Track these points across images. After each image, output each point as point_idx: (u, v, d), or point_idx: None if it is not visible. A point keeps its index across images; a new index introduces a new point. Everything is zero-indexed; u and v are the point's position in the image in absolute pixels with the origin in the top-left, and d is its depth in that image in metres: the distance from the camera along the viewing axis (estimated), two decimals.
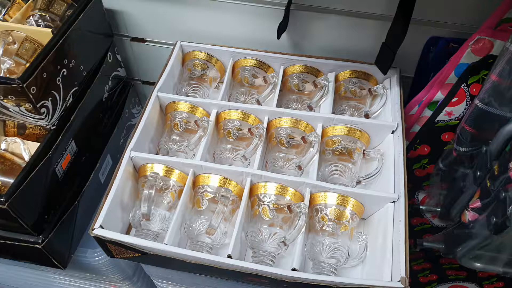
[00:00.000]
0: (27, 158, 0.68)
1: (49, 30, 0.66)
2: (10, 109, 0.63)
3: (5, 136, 0.70)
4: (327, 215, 0.58)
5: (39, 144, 0.67)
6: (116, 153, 0.84)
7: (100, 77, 0.77)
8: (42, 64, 0.61)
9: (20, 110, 0.63)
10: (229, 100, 0.74)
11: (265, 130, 0.67)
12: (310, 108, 0.72)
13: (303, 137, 0.67)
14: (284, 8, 0.70)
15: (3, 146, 0.68)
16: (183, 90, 0.76)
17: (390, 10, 0.69)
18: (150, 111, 0.69)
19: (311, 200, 0.60)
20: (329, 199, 0.59)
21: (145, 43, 0.86)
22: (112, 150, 0.82)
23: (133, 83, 0.92)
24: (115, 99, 0.85)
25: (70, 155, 0.71)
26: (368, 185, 0.66)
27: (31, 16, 0.71)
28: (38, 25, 0.70)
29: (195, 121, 0.69)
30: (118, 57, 0.84)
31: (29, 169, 0.62)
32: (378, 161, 0.64)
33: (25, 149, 0.68)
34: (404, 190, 0.58)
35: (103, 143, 0.80)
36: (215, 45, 0.77)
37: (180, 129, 0.69)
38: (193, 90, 0.76)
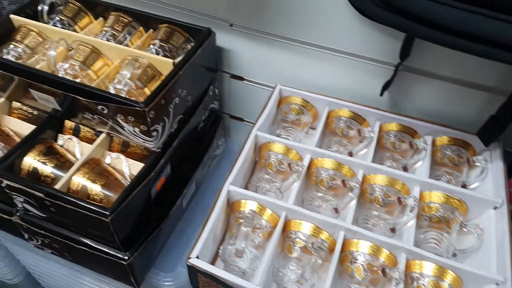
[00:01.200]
0: (127, 175, 0.71)
1: (170, 60, 0.71)
2: (125, 128, 0.67)
3: (109, 151, 0.75)
4: (424, 286, 0.56)
5: (142, 164, 0.72)
6: (200, 181, 0.87)
7: (201, 108, 0.81)
8: (163, 92, 0.66)
9: (134, 130, 0.67)
10: (320, 147, 0.75)
11: (360, 184, 0.67)
12: (405, 169, 0.72)
13: (399, 198, 0.66)
14: (393, 68, 0.72)
15: (108, 160, 0.72)
16: (277, 131, 0.78)
17: (503, 84, 0.69)
18: (249, 148, 0.71)
19: (407, 266, 0.58)
20: (426, 269, 0.57)
21: (243, 81, 0.90)
22: (198, 177, 0.85)
23: (223, 116, 0.96)
24: (207, 130, 0.89)
25: (165, 178, 0.74)
26: (461, 259, 0.63)
27: (151, 45, 0.77)
28: (157, 54, 0.76)
29: (289, 164, 0.70)
30: (216, 91, 0.88)
31: (132, 187, 0.65)
32: (478, 236, 0.61)
33: (127, 166, 0.71)
34: (511, 273, 0.55)
35: (192, 169, 0.83)
36: (313, 93, 0.80)
37: (274, 170, 0.70)
38: (286, 132, 0.78)
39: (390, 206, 0.66)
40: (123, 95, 0.68)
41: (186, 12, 0.84)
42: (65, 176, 0.67)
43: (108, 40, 0.78)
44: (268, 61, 0.85)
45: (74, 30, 0.83)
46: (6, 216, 0.74)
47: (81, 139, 0.77)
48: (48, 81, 0.67)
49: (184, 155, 0.80)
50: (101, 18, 0.85)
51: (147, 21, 0.82)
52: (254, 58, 0.85)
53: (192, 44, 0.80)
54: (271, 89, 0.88)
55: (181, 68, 0.70)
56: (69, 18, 0.82)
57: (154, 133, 0.67)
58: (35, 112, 0.79)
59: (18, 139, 0.76)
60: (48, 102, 0.71)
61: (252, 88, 0.90)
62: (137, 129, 0.67)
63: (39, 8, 0.80)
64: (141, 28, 0.82)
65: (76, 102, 0.67)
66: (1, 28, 0.78)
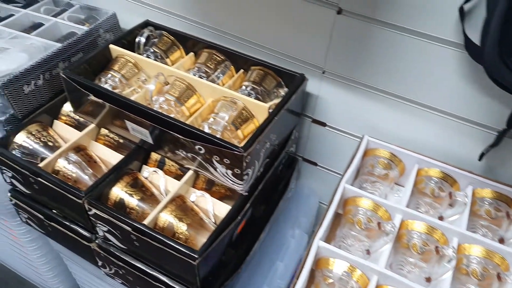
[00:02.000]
0: (211, 215, 0.70)
1: (265, 105, 0.71)
2: (217, 169, 0.67)
3: (194, 187, 0.74)
4: None
5: (225, 204, 0.71)
6: (272, 223, 0.85)
7: (283, 152, 0.80)
8: (259, 137, 0.65)
9: (226, 172, 0.66)
10: (408, 207, 0.72)
11: (455, 253, 0.63)
12: (501, 241, 0.68)
13: (498, 274, 0.62)
14: (496, 133, 0.69)
15: (193, 198, 0.71)
16: (363, 185, 0.76)
17: None
18: (337, 201, 0.69)
19: None
20: None
21: (325, 127, 0.89)
22: (272, 220, 0.83)
23: (297, 158, 0.95)
24: (283, 172, 0.87)
25: (245, 221, 0.73)
26: None
27: (243, 86, 0.78)
28: (249, 95, 0.76)
29: (378, 223, 0.68)
30: (297, 134, 0.87)
31: (219, 230, 0.64)
32: None
33: (211, 206, 0.70)
34: None
35: (268, 213, 0.82)
36: (401, 147, 0.77)
37: (362, 227, 0.68)
38: (373, 187, 0.75)
39: (488, 279, 0.62)
40: (218, 136, 0.68)
41: (279, 56, 0.85)
42: (153, 212, 0.66)
43: (200, 77, 0.79)
44: (356, 110, 0.83)
45: (165, 63, 0.85)
46: (84, 242, 0.75)
47: (165, 172, 0.77)
48: (149, 116, 0.67)
49: (263, 198, 0.79)
50: (191, 53, 0.87)
51: (238, 61, 0.83)
52: (341, 106, 0.84)
53: (284, 88, 0.80)
54: (354, 138, 0.87)
55: (276, 114, 0.70)
56: (162, 51, 0.84)
57: (245, 177, 0.66)
58: (121, 140, 0.80)
59: (103, 166, 0.77)
60: (140, 134, 0.72)
61: (334, 134, 0.88)
62: (229, 172, 0.66)
63: (137, 40, 0.82)
64: (231, 67, 0.83)
65: (171, 138, 0.68)
66: (101, 57, 0.81)
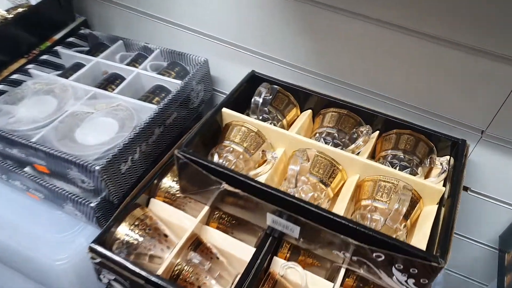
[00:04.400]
0: None
1: (440, 187, 0.57)
2: (393, 277, 0.53)
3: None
4: None
5: None
6: None
7: None
8: (452, 236, 0.52)
9: (406, 281, 0.53)
10: None
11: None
12: None
13: None
14: None
15: None
16: None
17: None
18: None
19: None
20: None
21: (466, 191, 0.75)
22: None
23: None
24: None
25: None
26: None
27: (390, 156, 0.64)
28: (403, 169, 0.62)
29: None
30: None
31: None
32: None
33: None
34: None
35: None
36: None
37: None
38: None
39: None
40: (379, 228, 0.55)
41: (422, 114, 0.72)
42: None
43: (336, 145, 0.66)
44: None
45: (282, 126, 0.71)
46: None
47: (299, 263, 0.63)
48: (304, 211, 0.54)
49: None
50: (309, 111, 0.73)
51: (374, 122, 0.69)
52: (494, 170, 0.71)
53: (434, 155, 0.66)
54: (506, 206, 0.74)
55: (456, 199, 0.56)
56: (279, 112, 0.71)
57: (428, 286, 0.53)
58: (234, 221, 0.67)
59: (225, 261, 0.64)
60: (284, 228, 0.59)
61: (480, 201, 0.75)
62: (411, 280, 0.52)
63: (254, 100, 0.68)
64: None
65: (333, 239, 0.54)
66: (212, 123, 0.67)
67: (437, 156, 0.66)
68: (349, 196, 0.60)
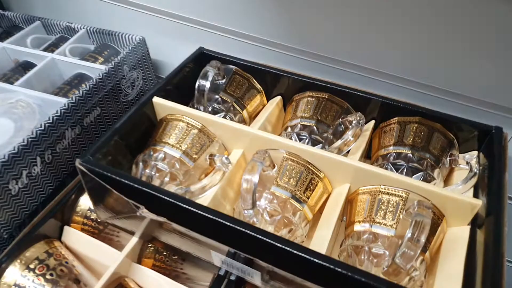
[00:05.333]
0: None
1: (475, 201, 0.38)
2: None
3: None
4: None
5: None
6: None
7: None
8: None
9: None
10: None
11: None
12: None
13: None
14: None
15: None
16: None
17: None
18: None
19: None
20: None
21: None
22: None
23: None
24: None
25: None
26: None
27: (396, 155, 0.45)
28: (415, 172, 0.43)
29: None
30: None
31: None
32: None
33: None
34: None
35: None
36: None
37: None
38: None
39: None
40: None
41: (439, 95, 0.53)
42: None
43: (316, 143, 0.46)
44: None
45: (243, 119, 0.52)
46: None
47: None
48: (267, 249, 0.34)
49: None
50: (278, 98, 0.54)
51: (366, 106, 0.49)
52: None
53: (456, 150, 0.47)
54: None
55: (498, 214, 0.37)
56: (236, 99, 0.51)
57: None
58: (177, 257, 0.47)
59: None
60: (239, 272, 0.39)
61: None
62: None
63: (198, 84, 0.48)
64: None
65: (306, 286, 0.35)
66: (138, 120, 0.47)
67: (460, 153, 0.47)
68: (336, 216, 0.41)
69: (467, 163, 0.43)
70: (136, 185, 0.38)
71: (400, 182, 0.39)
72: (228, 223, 0.34)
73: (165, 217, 0.37)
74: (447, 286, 0.35)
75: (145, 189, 0.37)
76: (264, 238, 0.33)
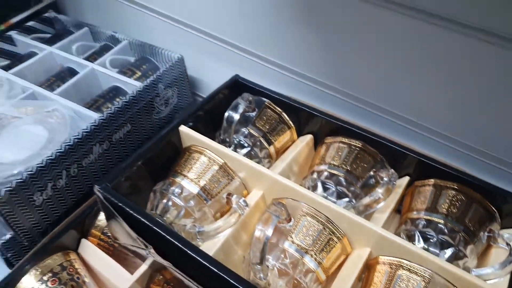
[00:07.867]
0: None
1: None
2: None
3: None
4: None
5: None
6: None
7: None
8: None
9: None
10: None
11: None
12: None
13: None
14: None
15: None
16: None
17: None
18: None
19: None
20: None
21: None
22: None
23: None
24: None
25: None
26: None
27: (420, 219, 0.41)
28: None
29: None
30: None
31: None
32: None
33: None
34: None
35: None
36: None
37: None
38: None
39: None
40: None
41: (485, 159, 0.48)
42: None
43: (341, 195, 0.44)
44: None
45: (268, 154, 0.50)
46: None
47: None
48: None
49: None
50: (309, 137, 0.51)
51: (403, 161, 0.46)
52: None
53: (495, 222, 0.42)
54: None
55: None
56: (264, 134, 0.49)
57: None
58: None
59: None
60: None
61: None
62: None
63: (227, 115, 0.47)
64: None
65: None
66: (165, 146, 0.47)
67: (502, 227, 0.42)
68: (352, 281, 0.38)
69: (508, 244, 0.39)
70: (147, 222, 0.37)
71: (425, 260, 0.36)
72: (228, 279, 0.33)
73: (170, 261, 0.36)
74: None
75: (156, 228, 0.37)
76: None
